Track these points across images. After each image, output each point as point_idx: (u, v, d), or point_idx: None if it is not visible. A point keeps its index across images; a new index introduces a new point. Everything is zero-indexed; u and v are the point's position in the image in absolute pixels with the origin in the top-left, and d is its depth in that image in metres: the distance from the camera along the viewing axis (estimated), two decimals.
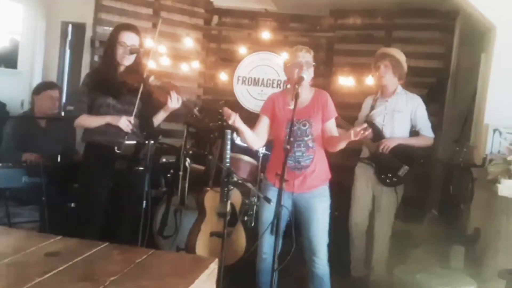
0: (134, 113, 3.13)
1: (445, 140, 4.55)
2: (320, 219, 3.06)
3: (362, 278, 3.95)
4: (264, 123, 3.16)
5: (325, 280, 3.10)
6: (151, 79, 3.17)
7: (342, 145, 2.98)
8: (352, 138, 2.84)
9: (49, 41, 6.13)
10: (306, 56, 3.03)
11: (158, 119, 3.31)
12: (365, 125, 2.83)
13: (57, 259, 1.62)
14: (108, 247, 1.80)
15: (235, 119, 2.83)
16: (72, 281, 1.45)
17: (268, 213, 2.99)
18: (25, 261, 1.60)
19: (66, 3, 5.89)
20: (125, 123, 3.10)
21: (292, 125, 2.76)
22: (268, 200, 2.82)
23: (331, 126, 3.10)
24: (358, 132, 2.80)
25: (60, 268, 1.54)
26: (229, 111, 2.86)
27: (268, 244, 3.05)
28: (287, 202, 2.95)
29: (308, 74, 2.98)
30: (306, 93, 3.07)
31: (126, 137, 3.07)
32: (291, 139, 2.77)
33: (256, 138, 3.11)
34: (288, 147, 2.69)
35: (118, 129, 3.15)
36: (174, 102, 3.18)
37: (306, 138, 3.03)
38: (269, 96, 3.23)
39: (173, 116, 3.41)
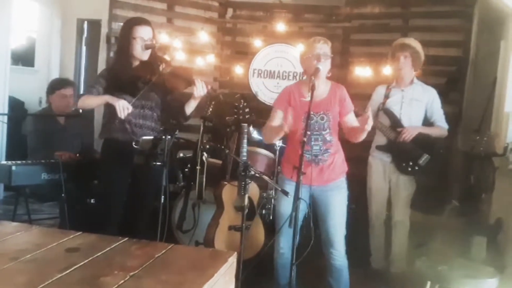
0: (134, 101, 3.05)
1: (465, 129, 4.49)
2: (337, 212, 3.05)
3: (382, 270, 3.92)
4: (279, 118, 3.12)
5: (344, 272, 3.09)
6: (161, 67, 3.14)
7: (363, 136, 2.94)
8: (367, 127, 2.81)
9: (65, 39, 6.18)
10: (323, 48, 2.99)
11: (190, 107, 3.24)
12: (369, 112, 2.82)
13: (78, 254, 1.63)
14: (128, 242, 1.80)
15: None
16: (92, 276, 1.46)
17: (285, 207, 2.98)
18: (46, 257, 1.61)
19: (81, 0, 5.93)
20: (123, 105, 2.97)
21: (308, 117, 2.74)
22: (286, 193, 2.80)
23: (352, 119, 3.09)
24: (366, 119, 2.79)
25: (81, 264, 1.55)
26: None
27: (285, 239, 3.04)
28: (304, 195, 2.93)
29: (325, 66, 2.95)
30: (323, 86, 3.04)
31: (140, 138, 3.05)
32: (308, 132, 2.75)
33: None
34: (305, 139, 2.68)
35: (136, 126, 3.16)
36: (199, 90, 3.11)
37: (323, 132, 3.00)
38: (284, 89, 3.20)
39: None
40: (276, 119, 3.11)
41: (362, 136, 2.95)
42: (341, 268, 3.08)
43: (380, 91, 3.94)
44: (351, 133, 3.04)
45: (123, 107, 2.98)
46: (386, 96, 3.87)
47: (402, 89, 3.84)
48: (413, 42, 3.80)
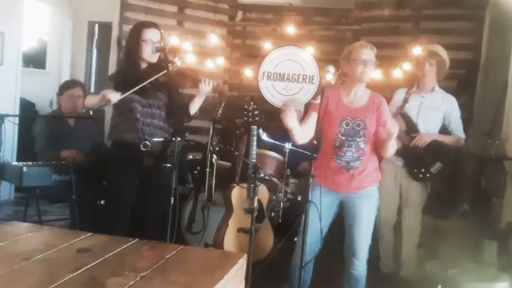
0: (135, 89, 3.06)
1: (476, 133, 4.46)
2: (364, 221, 2.98)
3: (392, 274, 3.89)
4: (313, 118, 3.01)
5: (361, 282, 3.04)
6: (170, 67, 3.15)
7: (390, 145, 2.88)
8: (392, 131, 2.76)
9: (76, 41, 6.22)
10: (370, 54, 2.94)
11: (194, 106, 3.28)
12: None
13: (88, 255, 1.64)
14: (138, 243, 1.81)
15: (286, 116, 2.75)
16: (103, 277, 1.46)
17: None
18: (57, 257, 1.62)
19: (92, 2, 5.97)
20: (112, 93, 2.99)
21: (318, 121, 2.73)
22: (296, 195, 2.80)
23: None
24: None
25: (91, 264, 1.55)
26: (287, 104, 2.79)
27: (308, 242, 3.00)
28: (334, 201, 2.94)
29: (368, 72, 2.93)
30: (362, 93, 3.01)
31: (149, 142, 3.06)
32: (343, 137, 2.85)
33: (301, 133, 2.93)
34: (315, 142, 2.68)
35: (144, 124, 3.18)
36: (206, 86, 3.17)
37: (358, 139, 2.93)
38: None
39: (199, 113, 3.41)
40: (310, 118, 3.01)
41: (390, 146, 2.88)
42: (359, 278, 3.03)
43: (400, 94, 3.88)
44: (380, 144, 2.96)
45: (114, 94, 2.98)
46: (405, 100, 3.81)
47: (422, 95, 3.78)
48: (441, 50, 3.73)
